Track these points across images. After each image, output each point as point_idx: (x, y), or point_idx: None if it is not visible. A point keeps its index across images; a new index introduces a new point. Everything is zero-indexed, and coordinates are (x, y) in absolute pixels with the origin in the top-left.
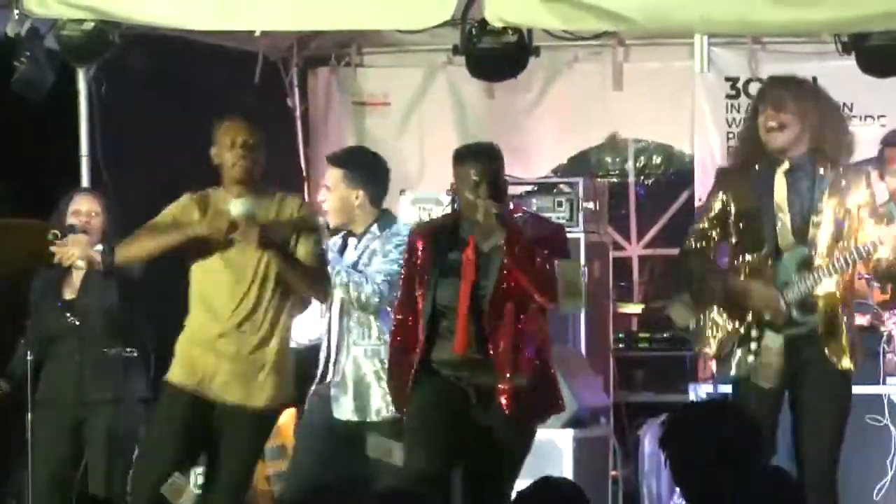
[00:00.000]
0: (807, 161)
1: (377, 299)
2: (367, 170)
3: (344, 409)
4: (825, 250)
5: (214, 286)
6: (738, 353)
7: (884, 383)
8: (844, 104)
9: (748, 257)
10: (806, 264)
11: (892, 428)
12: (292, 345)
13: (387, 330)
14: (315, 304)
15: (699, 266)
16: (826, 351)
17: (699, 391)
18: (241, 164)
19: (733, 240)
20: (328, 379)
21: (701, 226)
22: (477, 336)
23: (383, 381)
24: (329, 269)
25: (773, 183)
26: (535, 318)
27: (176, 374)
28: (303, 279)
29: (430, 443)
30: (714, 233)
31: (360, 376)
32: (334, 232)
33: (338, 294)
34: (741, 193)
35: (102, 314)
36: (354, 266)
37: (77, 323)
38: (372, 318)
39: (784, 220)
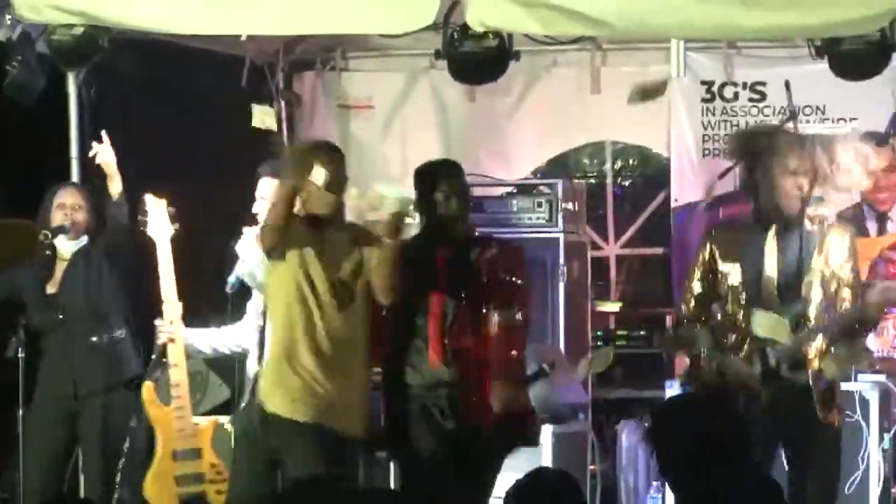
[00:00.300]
0: (796, 219)
1: None
2: None
3: None
4: (815, 308)
5: (309, 311)
6: None
7: (855, 380)
8: (817, 107)
9: (738, 316)
10: (799, 321)
11: (863, 424)
12: (225, 352)
13: None
14: (250, 315)
15: (692, 333)
16: (816, 409)
17: (675, 388)
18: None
19: (721, 296)
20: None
21: (691, 285)
22: (446, 353)
23: None
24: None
25: (765, 245)
26: (506, 334)
27: (282, 405)
28: (384, 274)
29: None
30: (704, 291)
31: None
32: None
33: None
34: (731, 252)
35: (85, 304)
36: None
37: (61, 316)
38: None
39: (772, 281)
